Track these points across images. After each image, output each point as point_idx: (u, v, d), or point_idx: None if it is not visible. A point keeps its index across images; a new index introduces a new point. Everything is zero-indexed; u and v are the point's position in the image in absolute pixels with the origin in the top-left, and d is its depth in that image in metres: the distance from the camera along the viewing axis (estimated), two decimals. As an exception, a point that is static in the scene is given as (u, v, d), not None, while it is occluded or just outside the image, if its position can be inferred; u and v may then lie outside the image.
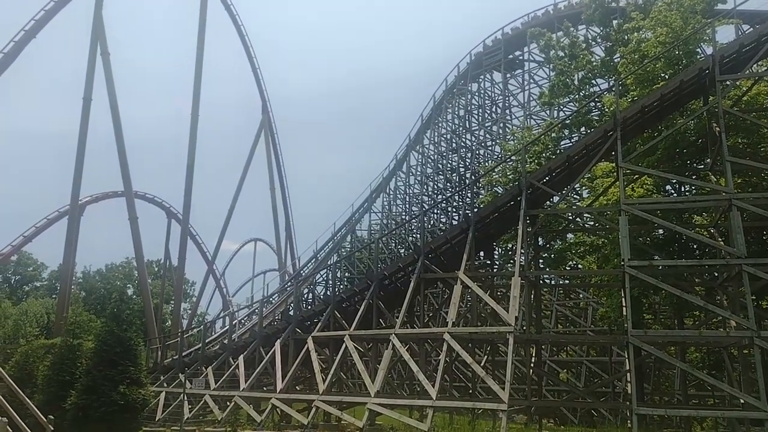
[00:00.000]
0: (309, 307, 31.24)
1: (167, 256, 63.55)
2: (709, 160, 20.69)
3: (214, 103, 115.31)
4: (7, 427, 13.59)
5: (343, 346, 23.46)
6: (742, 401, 17.56)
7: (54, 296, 66.28)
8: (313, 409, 21.80)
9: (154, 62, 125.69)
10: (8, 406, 14.87)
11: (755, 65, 19.78)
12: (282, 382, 24.09)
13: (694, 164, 22.49)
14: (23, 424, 14.65)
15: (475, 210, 24.28)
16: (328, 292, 31.43)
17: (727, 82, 19.46)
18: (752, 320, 16.24)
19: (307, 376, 28.92)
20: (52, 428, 14.79)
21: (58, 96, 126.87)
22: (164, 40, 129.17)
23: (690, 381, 25.40)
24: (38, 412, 15.31)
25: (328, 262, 45.23)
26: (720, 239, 19.80)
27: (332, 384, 23.48)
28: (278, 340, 26.67)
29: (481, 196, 30.26)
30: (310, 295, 40.71)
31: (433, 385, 19.10)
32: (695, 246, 21.53)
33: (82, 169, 43.97)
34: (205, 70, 50.69)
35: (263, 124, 62.07)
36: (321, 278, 42.28)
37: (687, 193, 22.31)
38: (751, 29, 22.26)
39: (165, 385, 28.64)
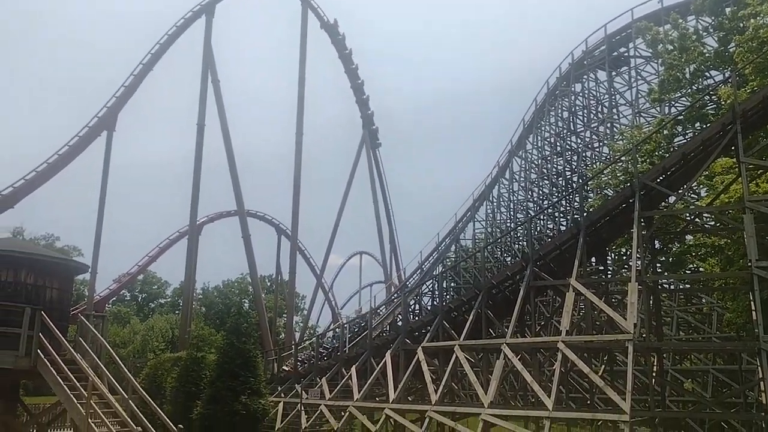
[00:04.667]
0: (417, 318, 31.35)
1: (278, 271, 66.00)
2: None
3: (317, 119, 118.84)
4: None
5: (454, 356, 23.36)
6: None
7: (177, 312, 70.42)
8: (427, 420, 21.81)
9: (258, 84, 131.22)
10: (142, 416, 15.90)
11: None
12: (394, 392, 24.30)
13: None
14: (156, 432, 15.65)
15: (585, 214, 23.50)
16: (435, 303, 31.45)
17: None
18: None
19: (418, 387, 29.02)
20: (182, 436, 15.69)
21: (174, 124, 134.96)
22: (267, 62, 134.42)
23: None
24: (169, 421, 16.26)
25: (434, 273, 45.23)
26: None
27: (444, 394, 23.40)
28: (389, 351, 26.96)
29: (590, 200, 29.27)
30: (417, 306, 40.85)
31: (549, 396, 18.62)
32: (833, 243, 19.80)
33: (199, 191, 46.52)
34: (307, 87, 52.33)
35: (365, 138, 63.21)
36: (427, 289, 42.33)
37: (820, 187, 20.61)
38: None
39: (282, 395, 29.60)
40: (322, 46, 60.74)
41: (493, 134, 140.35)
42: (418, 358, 24.71)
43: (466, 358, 23.68)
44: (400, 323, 30.53)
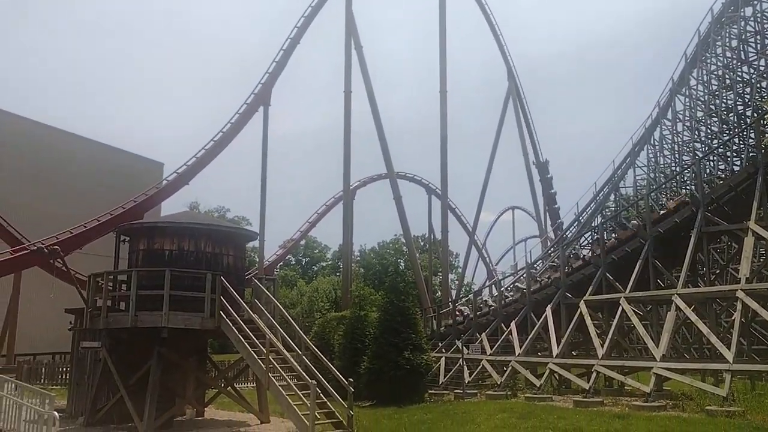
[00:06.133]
0: (577, 272, 30.36)
1: (431, 230, 66.67)
2: None
3: (461, 75, 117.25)
4: (316, 388, 15.46)
5: (619, 309, 22.45)
6: None
7: (338, 274, 73.94)
8: (594, 374, 21.24)
9: (400, 44, 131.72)
10: (315, 370, 16.91)
11: None
12: (557, 346, 23.88)
13: None
14: (329, 386, 16.57)
15: (763, 150, 21.28)
16: (597, 254, 30.20)
17: None
18: None
19: (581, 341, 28.28)
20: (353, 390, 16.48)
21: (323, 93, 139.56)
22: (406, 21, 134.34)
23: None
24: (339, 375, 17.17)
25: (593, 224, 43.41)
26: None
27: (610, 348, 22.64)
28: (549, 306, 26.47)
29: (768, 135, 26.47)
30: (576, 259, 39.50)
31: (729, 348, 17.35)
32: None
33: (350, 156, 47.92)
34: (448, 43, 51.57)
35: (510, 90, 61.49)
36: (586, 241, 40.83)
37: None
38: None
39: (443, 351, 30.16)
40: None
41: (649, 73, 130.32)
42: (580, 311, 24.04)
43: (633, 310, 22.67)
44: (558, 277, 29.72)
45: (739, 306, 18.15)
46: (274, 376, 16.30)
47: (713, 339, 18.47)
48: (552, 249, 45.33)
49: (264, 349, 16.37)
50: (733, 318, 19.52)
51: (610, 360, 21.66)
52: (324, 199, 62.45)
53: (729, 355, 17.09)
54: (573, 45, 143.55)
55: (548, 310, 25.99)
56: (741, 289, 18.22)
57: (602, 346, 21.96)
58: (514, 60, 61.64)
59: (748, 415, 14.81)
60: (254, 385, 23.35)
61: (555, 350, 23.71)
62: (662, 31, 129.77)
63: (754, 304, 17.91)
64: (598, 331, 24.06)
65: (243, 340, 16.86)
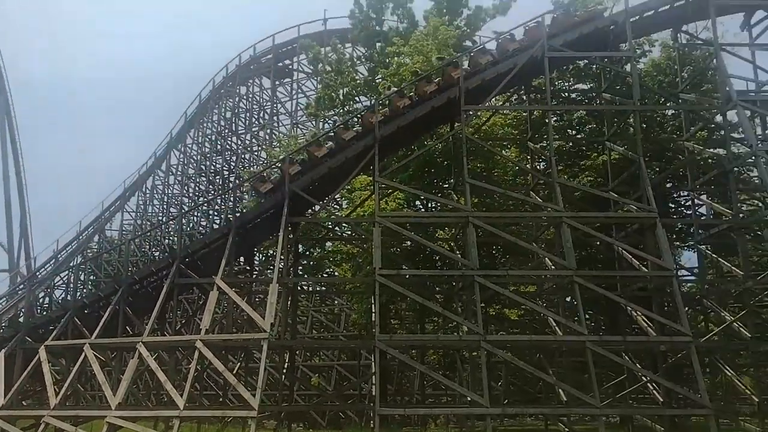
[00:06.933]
0: (45, 313, 28.06)
1: None
2: (452, 181, 22.92)
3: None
4: None
5: (83, 355, 21.51)
6: (469, 399, 19.51)
7: None
8: (42, 425, 19.62)
9: None
10: None
11: (493, 99, 22.44)
12: (4, 397, 21.32)
13: (441, 183, 24.72)
14: None
15: (238, 215, 23.89)
16: (69, 297, 28.60)
17: (470, 112, 21.77)
18: (480, 325, 18.23)
19: (38, 390, 25.97)
20: None
21: None
22: None
23: (428, 381, 27.74)
24: None
25: (71, 264, 41.17)
26: (458, 252, 21.99)
27: (67, 397, 21.36)
28: (2, 351, 23.58)
29: (245, 201, 29.95)
30: (47, 299, 36.65)
31: (182, 395, 18.36)
32: (438, 258, 23.66)
33: None
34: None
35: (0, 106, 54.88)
36: (61, 281, 38.39)
37: (433, 209, 24.41)
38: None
39: None
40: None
41: (156, 120, 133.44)
42: (39, 358, 22.11)
43: (98, 357, 21.97)
44: (22, 319, 26.93)
45: (196, 355, 19.43)
46: None
47: (168, 387, 19.24)
48: (20, 287, 41.09)
49: None
50: (191, 365, 20.78)
51: (64, 410, 20.40)
52: None
53: (180, 402, 18.04)
54: (91, 77, 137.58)
55: (0, 355, 23.15)
56: (200, 339, 19.63)
57: (58, 395, 20.56)
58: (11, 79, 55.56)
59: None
60: None
61: (0, 401, 21.11)
62: (190, 83, 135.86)
63: (209, 354, 19.44)
64: (59, 378, 22.52)
65: None
